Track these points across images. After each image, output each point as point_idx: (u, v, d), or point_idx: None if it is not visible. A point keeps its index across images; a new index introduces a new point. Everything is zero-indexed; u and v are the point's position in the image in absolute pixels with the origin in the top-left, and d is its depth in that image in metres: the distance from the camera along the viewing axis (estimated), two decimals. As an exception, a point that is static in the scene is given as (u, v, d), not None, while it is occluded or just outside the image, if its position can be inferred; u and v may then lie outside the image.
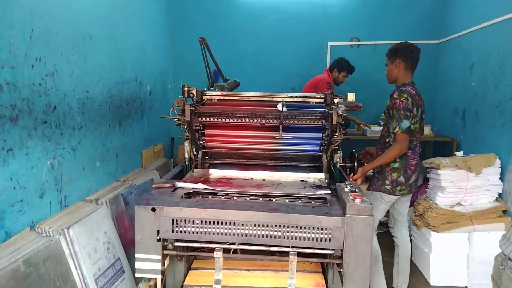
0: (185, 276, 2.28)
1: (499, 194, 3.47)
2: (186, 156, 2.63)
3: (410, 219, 3.92)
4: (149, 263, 1.96)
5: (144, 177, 3.94)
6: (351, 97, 2.57)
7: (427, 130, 4.71)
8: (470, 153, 3.85)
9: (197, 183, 2.26)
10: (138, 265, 1.96)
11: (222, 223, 1.91)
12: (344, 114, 2.29)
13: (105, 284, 2.86)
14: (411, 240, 3.95)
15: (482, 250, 3.35)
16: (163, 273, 2.11)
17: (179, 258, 2.13)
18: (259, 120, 2.37)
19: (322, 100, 2.64)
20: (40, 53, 2.55)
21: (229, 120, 2.39)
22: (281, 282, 2.21)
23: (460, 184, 3.45)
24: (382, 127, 3.20)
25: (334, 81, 4.65)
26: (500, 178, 3.45)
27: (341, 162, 2.69)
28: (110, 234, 3.08)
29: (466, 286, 3.41)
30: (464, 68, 4.41)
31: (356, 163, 2.73)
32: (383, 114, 3.30)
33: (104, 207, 3.11)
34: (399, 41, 3.08)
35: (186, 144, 2.59)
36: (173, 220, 1.91)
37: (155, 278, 2.05)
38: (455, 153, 3.88)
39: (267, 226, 1.90)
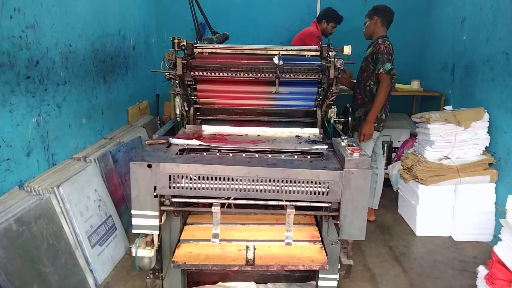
0: (181, 231, 2.28)
1: (486, 148, 3.53)
2: (178, 112, 2.56)
3: (398, 173, 3.99)
4: (146, 219, 1.94)
5: (131, 135, 3.87)
6: (347, 50, 2.51)
7: (415, 85, 4.71)
8: (458, 107, 3.88)
9: (191, 139, 2.21)
10: (135, 221, 1.94)
11: (219, 178, 1.88)
12: (342, 68, 2.23)
13: (98, 241, 2.86)
14: (397, 192, 4.05)
15: (467, 201, 3.46)
16: (160, 228, 2.11)
17: (176, 214, 2.11)
18: (255, 74, 2.30)
19: (318, 53, 2.56)
20: (18, 3, 2.39)
21: (223, 74, 2.31)
22: (277, 234, 2.23)
23: (448, 138, 3.49)
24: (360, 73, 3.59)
25: (323, 33, 4.52)
26: (488, 132, 3.50)
27: (335, 117, 2.67)
28: (100, 191, 3.05)
29: (450, 236, 3.53)
30: (455, 21, 4.35)
31: (350, 118, 2.71)
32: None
33: (93, 165, 3.06)
34: None
35: (177, 99, 2.51)
36: (170, 176, 1.88)
37: (152, 234, 2.05)
38: (444, 107, 3.90)
39: (265, 181, 1.88)
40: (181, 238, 2.22)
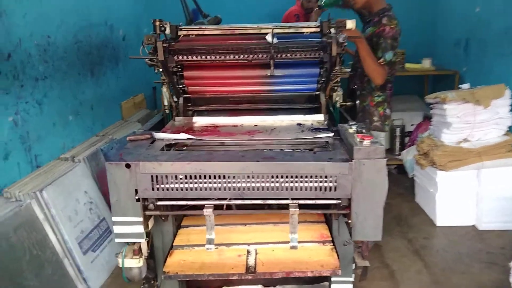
0: (174, 235, 2.04)
1: (509, 128, 3.23)
2: (166, 103, 2.31)
3: (413, 159, 3.70)
4: (129, 226, 1.70)
5: (125, 130, 3.63)
6: (350, 24, 2.23)
7: (426, 64, 4.41)
8: (475, 85, 3.56)
9: (179, 133, 1.96)
10: (116, 229, 1.70)
11: (209, 177, 1.63)
12: (345, 43, 1.96)
13: (91, 246, 2.64)
14: (413, 180, 3.77)
15: (492, 186, 3.17)
16: (148, 234, 1.87)
17: (163, 218, 1.87)
18: (246, 55, 2.03)
19: (318, 29, 2.28)
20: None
21: (211, 57, 2.04)
22: (281, 235, 1.97)
23: (467, 119, 3.20)
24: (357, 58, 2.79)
25: (307, 8, 4.15)
26: (510, 111, 3.19)
27: (341, 101, 2.40)
28: (91, 193, 2.83)
29: (473, 225, 3.25)
30: (467, -7, 4.02)
31: (357, 101, 2.44)
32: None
33: (82, 165, 2.84)
34: None
35: (164, 89, 2.26)
36: (152, 176, 1.63)
37: (139, 242, 1.81)
38: (460, 86, 3.58)
39: (262, 177, 1.62)
40: (174, 244, 1.97)
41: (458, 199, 3.26)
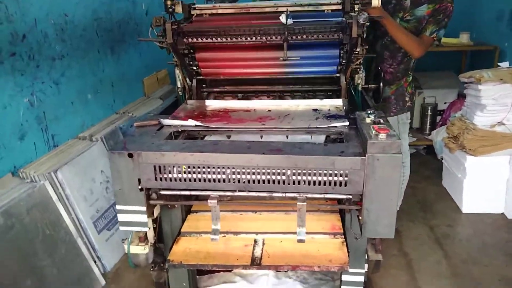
0: (183, 221, 2.02)
1: (550, 111, 2.98)
2: (179, 85, 2.24)
3: (442, 141, 3.51)
4: (133, 215, 1.68)
5: (146, 107, 3.61)
6: (376, 1, 2.06)
7: (464, 38, 4.11)
8: (517, 63, 3.30)
9: (188, 118, 1.89)
10: (120, 217, 1.69)
11: (213, 168, 1.57)
12: (367, 24, 1.80)
13: (106, 225, 2.68)
14: (442, 162, 3.59)
15: (525, 174, 2.97)
16: (156, 220, 1.86)
17: (169, 207, 1.84)
18: (258, 37, 1.92)
19: (340, 7, 2.12)
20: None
21: (222, 39, 1.94)
22: (292, 225, 1.90)
23: (504, 101, 2.97)
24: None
25: None
26: (552, 92, 2.94)
27: (363, 84, 2.25)
28: (108, 172, 2.83)
29: (502, 213, 3.08)
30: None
31: (381, 84, 2.28)
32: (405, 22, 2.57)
33: (99, 144, 2.84)
34: None
35: (177, 71, 2.19)
36: (154, 167, 1.59)
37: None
38: (499, 64, 3.32)
39: (268, 170, 1.55)
40: (181, 231, 1.95)
41: (487, 186, 3.09)
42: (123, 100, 3.53)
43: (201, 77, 2.23)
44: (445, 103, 4.31)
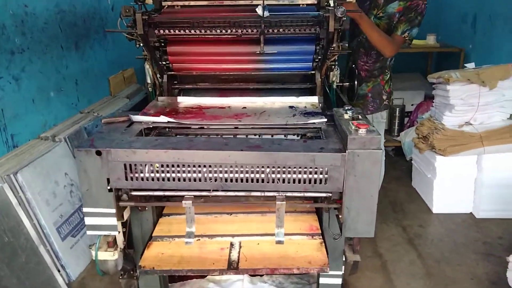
0: (154, 225, 1.91)
1: (514, 111, 3.07)
2: (149, 81, 2.14)
3: (411, 141, 3.55)
4: (101, 218, 1.57)
5: (112, 107, 3.45)
6: (350, -4, 2.04)
7: (431, 40, 4.19)
8: (481, 64, 3.37)
9: (160, 115, 1.80)
10: (88, 221, 1.58)
11: (188, 167, 1.49)
12: (344, 18, 1.77)
13: (71, 231, 2.53)
14: (411, 163, 3.63)
15: (492, 173, 3.04)
16: (125, 224, 1.75)
17: (140, 209, 1.74)
18: (234, 30, 1.85)
19: (315, 1, 2.09)
20: None
21: (195, 31, 1.86)
22: (269, 227, 1.83)
23: (471, 101, 3.02)
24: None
25: None
26: (517, 93, 3.03)
27: (338, 81, 2.23)
28: (72, 175, 2.68)
29: (471, 213, 3.13)
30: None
31: (356, 82, 2.27)
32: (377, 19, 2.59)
33: (63, 145, 2.68)
34: None
35: (147, 66, 2.09)
36: (125, 165, 1.49)
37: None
38: (466, 65, 3.39)
39: (246, 168, 1.48)
40: (153, 235, 1.85)
41: (456, 186, 3.13)
42: (88, 99, 3.36)
43: (172, 72, 2.14)
44: (412, 104, 4.38)
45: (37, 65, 2.67)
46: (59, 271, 2.33)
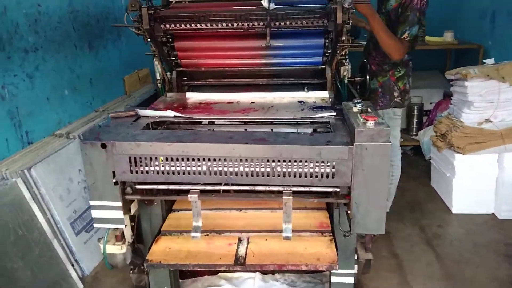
0: (164, 220, 1.91)
1: (537, 108, 2.95)
2: (158, 77, 2.14)
3: (430, 140, 3.46)
4: (108, 211, 1.57)
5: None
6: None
7: (448, 37, 4.08)
8: (500, 61, 3.26)
9: (167, 109, 1.79)
10: (95, 214, 1.58)
11: (192, 160, 1.47)
12: (352, 10, 1.73)
13: (85, 227, 2.55)
14: (430, 162, 3.54)
15: (514, 172, 2.92)
16: (133, 218, 1.75)
17: (146, 203, 1.73)
18: (241, 23, 1.83)
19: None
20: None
21: (201, 26, 1.85)
22: (278, 223, 1.80)
23: (490, 98, 2.93)
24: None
25: None
26: (539, 88, 2.91)
27: (349, 76, 2.18)
28: (86, 172, 2.70)
29: (492, 213, 3.02)
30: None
31: (368, 77, 2.21)
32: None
33: (77, 142, 2.71)
34: None
35: (156, 62, 2.09)
36: (130, 158, 1.48)
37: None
38: (485, 61, 3.29)
39: (252, 161, 1.46)
40: (162, 229, 1.84)
41: (476, 185, 3.03)
42: (103, 99, 3.40)
43: (181, 68, 2.13)
44: (431, 103, 4.28)
45: (50, 63, 2.71)
46: (73, 265, 2.35)
